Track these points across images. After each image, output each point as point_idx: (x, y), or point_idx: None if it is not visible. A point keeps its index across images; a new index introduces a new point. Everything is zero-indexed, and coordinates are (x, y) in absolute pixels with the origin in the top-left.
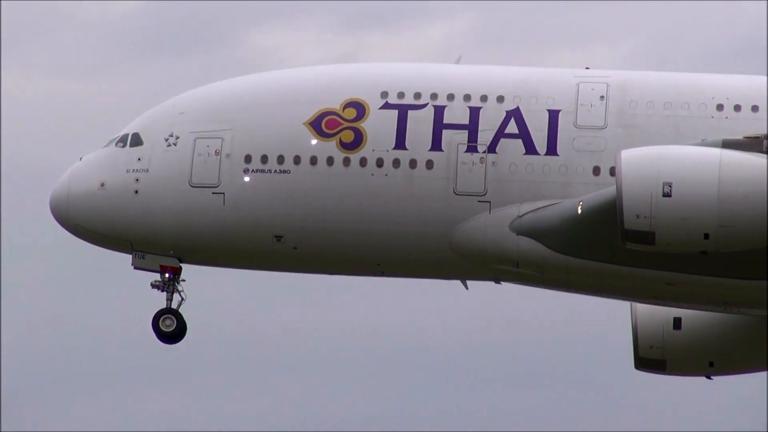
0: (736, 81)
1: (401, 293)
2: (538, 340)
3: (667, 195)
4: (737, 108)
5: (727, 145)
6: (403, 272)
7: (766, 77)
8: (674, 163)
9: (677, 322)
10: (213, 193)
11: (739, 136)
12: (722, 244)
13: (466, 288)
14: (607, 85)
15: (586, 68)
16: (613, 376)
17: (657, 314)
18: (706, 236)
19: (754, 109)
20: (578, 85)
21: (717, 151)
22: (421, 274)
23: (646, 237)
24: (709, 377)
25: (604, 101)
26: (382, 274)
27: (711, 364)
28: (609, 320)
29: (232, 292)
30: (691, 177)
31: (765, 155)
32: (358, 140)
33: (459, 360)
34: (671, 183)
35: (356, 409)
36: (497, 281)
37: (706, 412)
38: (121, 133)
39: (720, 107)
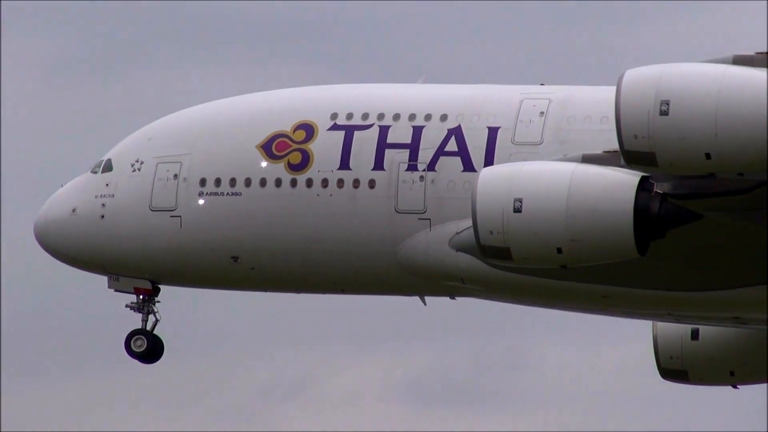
0: None
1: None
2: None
3: (517, 210)
4: None
5: (587, 159)
6: (360, 290)
7: None
8: (527, 180)
9: (695, 333)
10: (171, 216)
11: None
12: (576, 258)
13: (424, 304)
14: (549, 101)
15: (541, 84)
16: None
17: (676, 325)
18: (559, 250)
19: None
20: (521, 101)
21: (572, 166)
22: (378, 292)
23: (502, 252)
24: (735, 386)
25: (543, 117)
26: (342, 292)
27: (732, 374)
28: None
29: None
30: (541, 192)
31: (623, 169)
32: (305, 161)
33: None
34: (521, 199)
35: None
36: (452, 297)
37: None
38: (100, 159)
39: None
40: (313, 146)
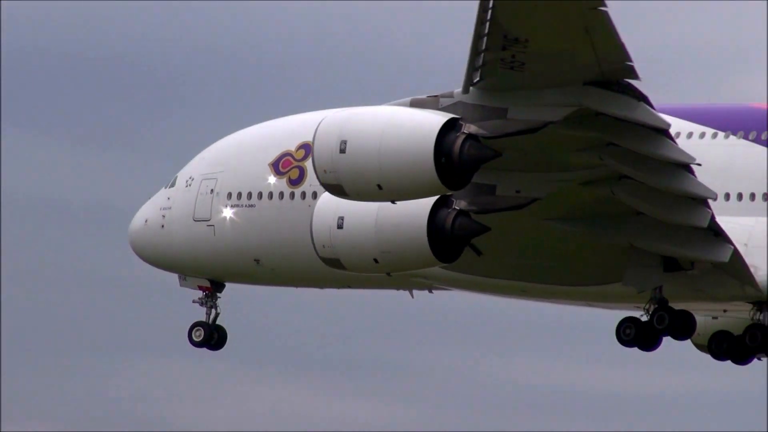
0: None
1: None
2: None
3: (340, 227)
4: None
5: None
6: (359, 286)
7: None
8: (345, 201)
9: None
10: (207, 225)
11: None
12: (391, 266)
13: (412, 297)
14: None
15: None
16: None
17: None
18: (376, 260)
19: None
20: None
21: None
22: (372, 287)
23: (335, 263)
24: (760, 358)
25: None
26: (348, 287)
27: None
28: None
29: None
30: (355, 210)
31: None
32: (301, 177)
33: None
34: (343, 217)
35: None
36: (429, 290)
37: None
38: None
39: None
40: (308, 163)
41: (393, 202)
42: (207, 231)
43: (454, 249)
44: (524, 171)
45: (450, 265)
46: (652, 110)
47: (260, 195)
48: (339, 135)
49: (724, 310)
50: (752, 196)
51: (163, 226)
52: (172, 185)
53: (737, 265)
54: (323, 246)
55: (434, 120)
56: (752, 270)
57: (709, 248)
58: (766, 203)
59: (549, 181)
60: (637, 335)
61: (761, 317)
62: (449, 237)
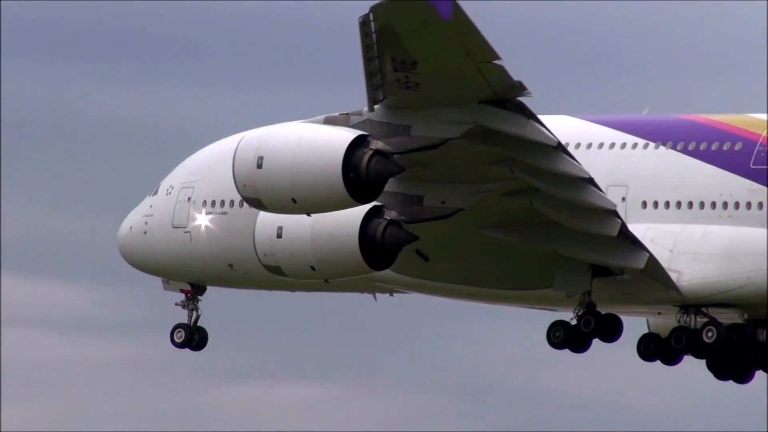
0: None
1: None
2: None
3: (279, 237)
4: None
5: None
6: (324, 289)
7: None
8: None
9: None
10: (184, 232)
11: None
12: (327, 274)
13: (375, 300)
14: None
15: None
16: None
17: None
18: (313, 268)
19: None
20: None
21: None
22: (337, 290)
23: (277, 270)
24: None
25: None
26: (317, 290)
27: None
28: None
29: None
30: (293, 220)
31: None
32: None
33: None
34: (282, 227)
35: None
36: (390, 294)
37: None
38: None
39: None
40: None
41: (308, 214)
42: (184, 237)
43: (386, 256)
44: (448, 183)
45: (404, 270)
46: (541, 127)
47: (232, 203)
48: (256, 151)
49: (659, 313)
50: (678, 204)
51: (145, 232)
52: (155, 193)
53: (659, 271)
54: (264, 254)
55: (343, 137)
56: (676, 275)
57: (625, 255)
58: (691, 211)
59: (471, 192)
60: (566, 338)
61: (686, 320)
62: (380, 246)
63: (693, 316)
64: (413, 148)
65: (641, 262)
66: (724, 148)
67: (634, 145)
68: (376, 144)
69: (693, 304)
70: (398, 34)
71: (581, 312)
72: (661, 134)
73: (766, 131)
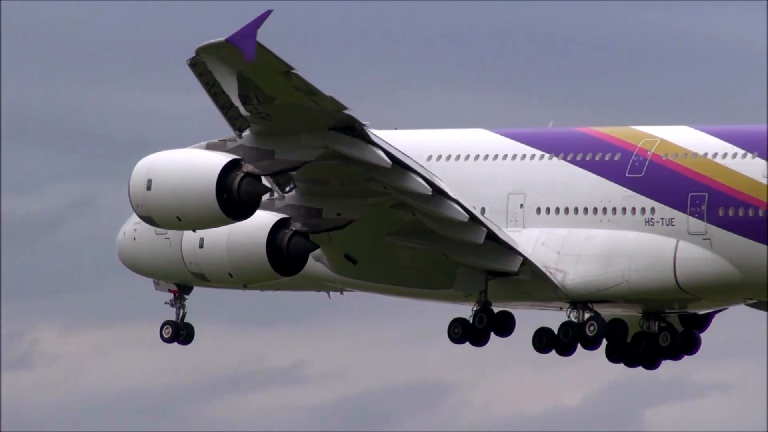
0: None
1: None
2: None
3: (201, 247)
4: None
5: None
6: (283, 289)
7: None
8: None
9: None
10: (165, 238)
11: None
12: (245, 279)
13: (329, 297)
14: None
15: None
16: None
17: None
18: (231, 275)
19: None
20: None
21: None
22: (295, 289)
23: (202, 276)
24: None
25: None
26: (277, 289)
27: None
28: None
29: None
30: (212, 232)
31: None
32: None
33: None
34: (203, 238)
35: None
36: (341, 292)
37: None
38: None
39: None
40: None
41: (194, 230)
42: (165, 242)
43: (293, 263)
44: (342, 197)
45: (343, 272)
46: (378, 151)
47: None
48: (146, 175)
49: (561, 308)
50: (566, 210)
51: (134, 238)
52: None
53: (539, 272)
54: (190, 263)
55: (218, 161)
56: (562, 275)
57: (501, 259)
58: (576, 216)
59: (361, 205)
60: (464, 334)
61: (575, 315)
62: (285, 254)
63: (581, 311)
64: (277, 170)
65: (515, 266)
66: (606, 158)
67: (533, 156)
68: (247, 167)
69: (578, 300)
70: (230, 72)
71: (476, 310)
72: (556, 146)
73: (641, 143)
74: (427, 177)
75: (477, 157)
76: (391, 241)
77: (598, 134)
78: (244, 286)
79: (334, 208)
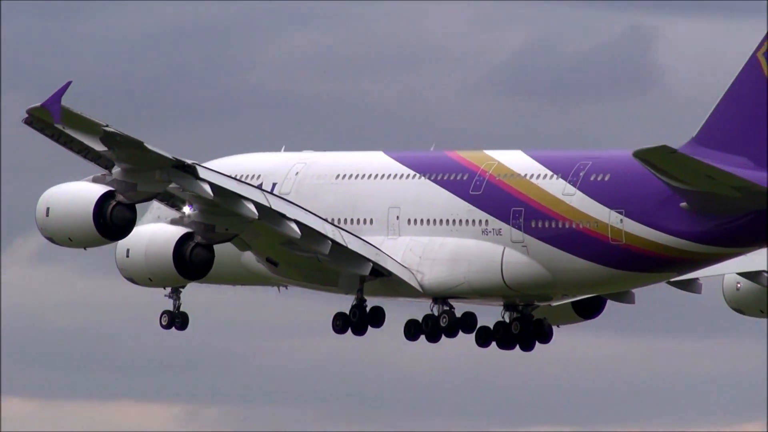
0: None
1: None
2: None
3: (127, 256)
4: None
5: (175, 222)
6: (245, 283)
7: None
8: (133, 236)
9: None
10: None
11: None
12: (160, 284)
13: (279, 291)
14: (305, 164)
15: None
16: None
17: None
18: (150, 279)
19: None
20: (293, 165)
21: (154, 228)
22: (253, 284)
23: (132, 280)
24: None
25: (298, 175)
26: (243, 284)
27: None
28: None
29: None
30: (134, 243)
31: (178, 227)
32: None
33: None
34: (129, 249)
35: None
36: (286, 287)
37: None
38: None
39: None
40: None
41: (85, 249)
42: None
43: (197, 270)
44: (225, 215)
45: (278, 272)
46: (204, 184)
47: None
48: (46, 203)
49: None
50: (428, 221)
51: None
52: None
53: (403, 274)
54: (121, 269)
55: (96, 192)
56: (421, 275)
57: (354, 264)
58: (435, 227)
59: (241, 222)
60: (344, 325)
61: (436, 309)
62: (189, 262)
63: (440, 305)
64: (140, 200)
65: (366, 270)
66: (457, 178)
67: (408, 176)
68: (119, 197)
69: (436, 297)
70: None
71: (352, 305)
72: (424, 168)
73: (484, 165)
74: (261, 201)
75: (369, 176)
76: (283, 249)
77: (457, 157)
78: (164, 288)
79: (223, 224)
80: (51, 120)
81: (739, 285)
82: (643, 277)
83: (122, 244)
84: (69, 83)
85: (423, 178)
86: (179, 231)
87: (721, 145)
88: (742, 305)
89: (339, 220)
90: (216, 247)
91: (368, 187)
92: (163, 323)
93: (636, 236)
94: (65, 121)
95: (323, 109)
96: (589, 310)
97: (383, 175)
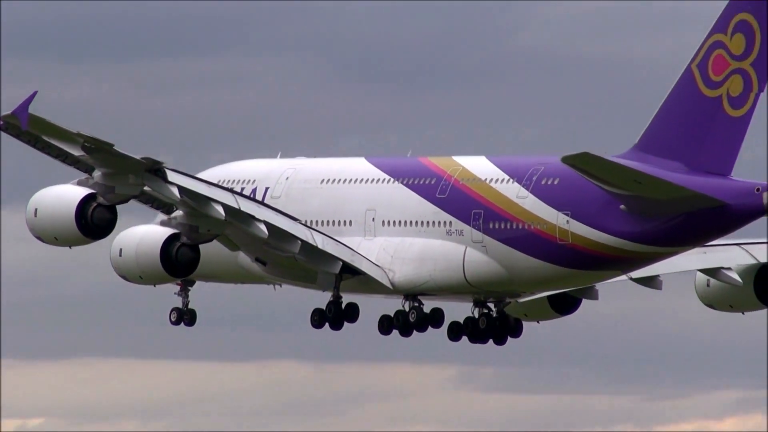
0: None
1: None
2: None
3: (120, 255)
4: None
5: (162, 223)
6: (242, 281)
7: None
8: (124, 237)
9: None
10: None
11: None
12: (151, 281)
13: (275, 289)
14: (294, 169)
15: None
16: None
17: None
18: (141, 277)
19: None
20: (284, 170)
21: (144, 230)
22: (248, 282)
23: (125, 277)
24: None
25: (288, 180)
26: (243, 282)
27: None
28: None
29: None
30: (126, 243)
31: (167, 228)
32: None
33: None
34: (122, 248)
35: None
36: (280, 285)
37: None
38: None
39: None
40: None
41: (70, 247)
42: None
43: (183, 268)
44: (207, 217)
45: (270, 272)
46: (171, 187)
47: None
48: (34, 205)
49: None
50: (400, 223)
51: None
52: None
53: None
54: (115, 267)
55: (78, 194)
56: (392, 273)
57: (325, 264)
58: (406, 227)
59: (221, 223)
60: (321, 320)
61: (407, 305)
62: (175, 261)
63: (411, 302)
64: (118, 201)
65: (336, 268)
66: (426, 182)
67: (384, 181)
68: (100, 199)
69: (406, 294)
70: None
71: (328, 301)
72: (398, 173)
73: (450, 170)
74: (230, 203)
75: (350, 180)
76: (267, 249)
77: (428, 163)
78: (154, 285)
79: (205, 226)
80: (21, 127)
81: (709, 281)
82: (590, 274)
83: (116, 243)
84: (35, 93)
85: (397, 182)
86: (167, 232)
87: (658, 151)
88: (713, 301)
89: (323, 222)
90: (214, 248)
91: (349, 191)
92: (173, 319)
93: (581, 236)
94: (34, 128)
95: None
96: (564, 306)
97: (362, 180)
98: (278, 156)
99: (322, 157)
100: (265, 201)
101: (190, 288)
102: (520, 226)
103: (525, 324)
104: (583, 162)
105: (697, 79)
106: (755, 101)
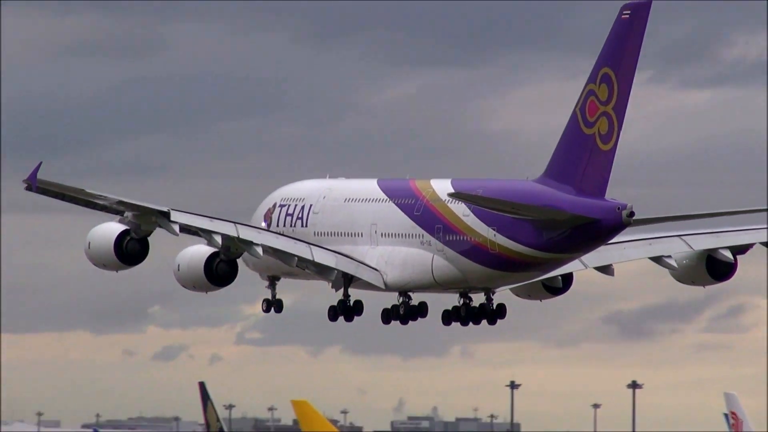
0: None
1: None
2: None
3: (178, 269)
4: None
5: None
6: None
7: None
8: (181, 255)
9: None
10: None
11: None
12: (200, 289)
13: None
14: (329, 189)
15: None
16: None
17: None
18: (194, 286)
19: None
20: (323, 190)
21: (193, 249)
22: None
23: (183, 285)
24: None
25: (324, 199)
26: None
27: None
28: None
29: None
30: (181, 260)
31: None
32: (269, 222)
33: None
34: (179, 264)
35: None
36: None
37: None
38: None
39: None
40: (273, 215)
41: (116, 271)
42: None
43: (223, 279)
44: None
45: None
46: (173, 226)
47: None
48: (89, 239)
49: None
50: (392, 235)
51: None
52: None
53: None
54: (177, 279)
55: (116, 230)
56: (385, 275)
57: (322, 274)
58: (396, 239)
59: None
60: (335, 314)
61: (400, 300)
62: (215, 273)
63: (402, 297)
64: (143, 236)
65: (332, 276)
66: (409, 201)
67: (383, 200)
68: (132, 234)
69: (398, 291)
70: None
71: (339, 300)
72: (393, 194)
73: (425, 191)
74: (230, 233)
75: (363, 200)
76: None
77: (413, 185)
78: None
79: (234, 246)
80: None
81: (678, 264)
82: (515, 275)
83: (176, 260)
84: (40, 163)
85: (390, 202)
86: (210, 250)
87: (556, 177)
88: (680, 278)
89: (345, 233)
90: None
91: (361, 209)
92: (264, 308)
93: (504, 246)
94: (44, 192)
95: None
96: (555, 288)
97: (370, 199)
98: (327, 177)
99: (355, 178)
100: (310, 214)
101: (277, 282)
102: (466, 238)
103: (527, 302)
104: (461, 198)
105: (579, 120)
106: (617, 138)
